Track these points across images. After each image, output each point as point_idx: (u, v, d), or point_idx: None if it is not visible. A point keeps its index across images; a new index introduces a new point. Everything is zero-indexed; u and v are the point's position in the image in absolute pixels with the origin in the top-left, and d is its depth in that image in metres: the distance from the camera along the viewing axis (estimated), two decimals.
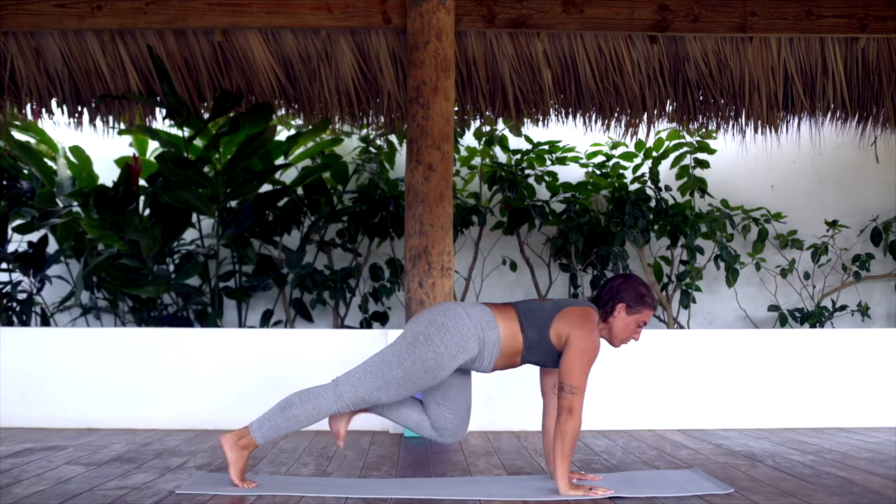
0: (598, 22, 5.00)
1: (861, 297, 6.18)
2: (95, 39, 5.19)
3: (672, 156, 5.94)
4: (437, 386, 3.13)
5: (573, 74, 5.35)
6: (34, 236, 6.03)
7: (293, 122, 5.99)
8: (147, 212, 5.74)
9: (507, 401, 4.59)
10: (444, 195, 4.68)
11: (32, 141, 5.93)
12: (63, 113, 5.62)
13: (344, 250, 6.06)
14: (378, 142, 5.95)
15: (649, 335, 4.71)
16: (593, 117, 5.64)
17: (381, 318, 5.86)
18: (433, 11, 4.71)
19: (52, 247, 6.00)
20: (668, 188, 5.89)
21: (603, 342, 3.20)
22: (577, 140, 5.96)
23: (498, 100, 5.45)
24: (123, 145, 6.12)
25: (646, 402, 4.74)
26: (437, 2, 4.71)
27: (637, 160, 5.95)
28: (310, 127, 5.79)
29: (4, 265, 5.91)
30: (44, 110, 5.59)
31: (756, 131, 5.68)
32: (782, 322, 5.84)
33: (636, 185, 5.94)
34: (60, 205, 5.75)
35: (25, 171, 5.82)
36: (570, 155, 5.96)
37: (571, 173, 6.08)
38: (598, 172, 6.00)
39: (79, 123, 5.71)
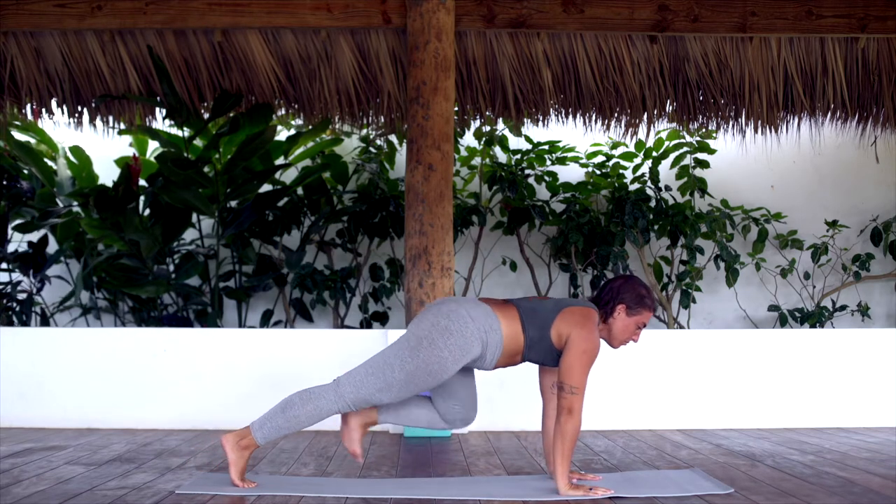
0: (598, 22, 5.00)
1: (861, 297, 6.18)
2: (95, 39, 5.19)
3: (672, 156, 5.94)
4: (441, 384, 3.13)
5: (573, 74, 5.35)
6: (34, 236, 6.03)
7: (293, 122, 6.00)
8: (147, 212, 5.74)
9: (507, 401, 4.59)
10: (444, 195, 4.68)
11: (32, 141, 5.93)
12: (63, 113, 5.62)
13: (344, 250, 6.06)
14: (378, 142, 5.96)
15: (649, 335, 4.71)
16: (593, 117, 5.64)
17: (381, 318, 5.86)
18: (433, 11, 4.71)
19: (52, 247, 6.00)
20: (668, 188, 5.89)
21: (602, 343, 3.20)
22: (577, 140, 5.96)
23: (498, 100, 5.45)
24: (123, 145, 6.12)
25: (646, 402, 4.74)
26: (437, 2, 4.71)
27: (637, 160, 5.95)
28: (310, 127, 5.79)
29: (4, 265, 5.91)
30: (44, 110, 5.59)
31: (756, 131, 5.68)
32: (782, 322, 5.84)
33: (636, 185, 5.94)
34: (60, 205, 5.75)
35: (25, 171, 5.83)
36: (570, 155, 5.96)
37: (571, 173, 6.08)
38: (598, 172, 6.00)
39: (79, 123, 5.72)
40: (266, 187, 5.95)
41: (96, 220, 5.32)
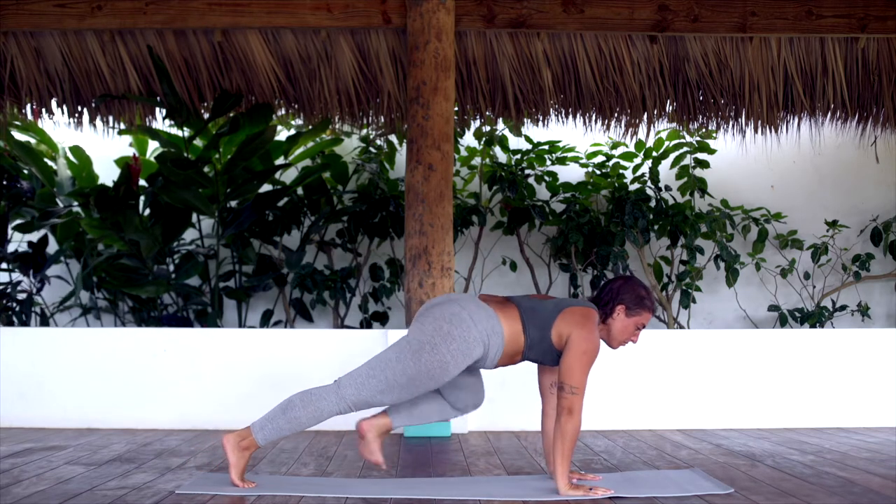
0: (598, 22, 5.00)
1: (861, 297, 6.18)
2: (95, 39, 5.19)
3: (672, 156, 5.94)
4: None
5: (573, 74, 5.35)
6: (34, 236, 6.03)
7: (293, 122, 5.99)
8: (147, 212, 5.74)
9: (507, 401, 4.59)
10: (444, 195, 4.68)
11: (32, 141, 5.93)
12: (63, 113, 5.62)
13: (344, 250, 6.06)
14: (378, 142, 5.96)
15: (649, 335, 4.71)
16: (593, 117, 5.64)
17: (381, 318, 5.86)
18: (433, 11, 4.71)
19: (52, 247, 6.00)
20: (668, 188, 5.89)
21: (601, 343, 3.20)
22: (577, 140, 5.96)
23: (498, 100, 5.45)
24: (123, 145, 6.12)
25: (646, 402, 4.74)
26: (437, 2, 4.71)
27: (637, 160, 5.95)
28: (310, 127, 5.79)
29: (4, 265, 5.91)
30: (44, 110, 5.59)
31: (756, 131, 5.68)
32: (782, 322, 5.84)
33: (636, 185, 5.94)
34: (60, 205, 5.75)
35: (25, 171, 5.83)
36: (570, 155, 5.96)
37: (571, 173, 6.08)
38: (598, 172, 6.00)
39: (79, 123, 5.72)
40: (266, 187, 5.95)
41: (96, 220, 5.32)
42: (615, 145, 5.96)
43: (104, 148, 5.99)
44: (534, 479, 3.24)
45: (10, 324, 5.70)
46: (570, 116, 5.65)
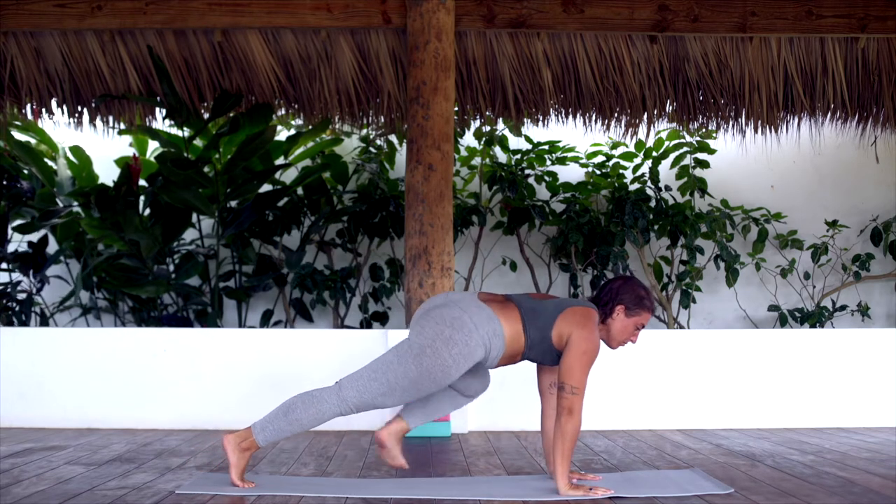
0: (598, 22, 5.00)
1: (861, 297, 6.18)
2: (95, 39, 5.19)
3: (672, 156, 5.94)
4: None
5: (573, 74, 5.35)
6: (34, 236, 6.03)
7: (293, 122, 6.00)
8: (147, 212, 5.74)
9: (507, 401, 4.59)
10: (444, 195, 4.68)
11: (32, 141, 5.93)
12: (63, 113, 5.62)
13: (344, 250, 6.06)
14: (378, 142, 5.96)
15: (649, 335, 4.71)
16: (593, 117, 5.64)
17: (381, 318, 5.86)
18: (433, 11, 4.71)
19: (52, 247, 6.00)
20: (668, 188, 5.89)
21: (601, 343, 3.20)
22: (577, 140, 5.96)
23: (498, 100, 5.45)
24: (123, 145, 6.12)
25: (646, 402, 4.74)
26: (437, 2, 4.71)
27: (637, 160, 5.95)
28: (310, 127, 5.79)
29: (4, 265, 5.91)
30: (44, 110, 5.60)
31: (756, 131, 5.68)
32: (782, 322, 5.84)
33: (636, 185, 5.94)
34: (60, 205, 5.75)
35: (25, 171, 5.83)
36: (570, 155, 5.96)
37: (571, 173, 6.08)
38: (598, 172, 6.00)
39: (79, 123, 5.72)
40: (266, 187, 5.95)
41: (96, 220, 5.32)
42: (615, 145, 5.96)
43: (104, 148, 5.99)
44: (534, 479, 3.24)
45: (10, 324, 5.70)
46: (570, 116, 5.65)
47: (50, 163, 5.88)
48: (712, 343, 4.85)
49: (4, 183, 5.77)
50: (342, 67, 5.29)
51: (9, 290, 5.74)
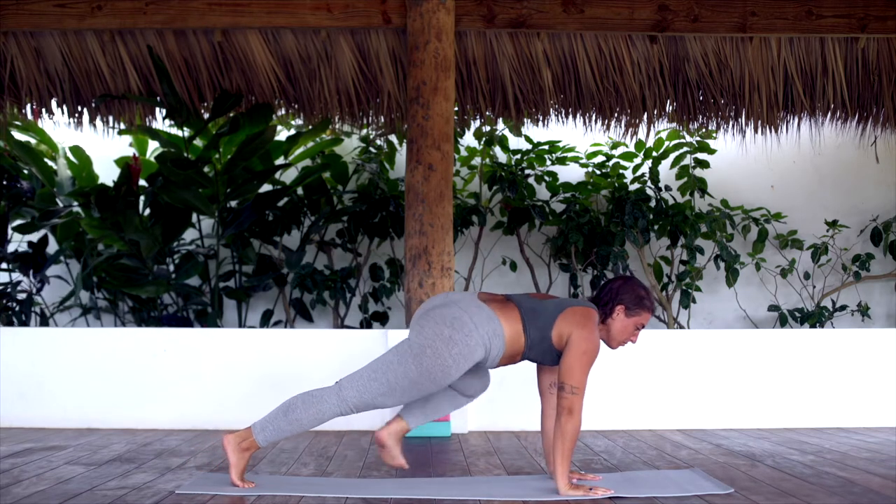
0: (598, 22, 5.00)
1: (861, 297, 6.18)
2: (95, 39, 5.19)
3: (672, 156, 5.94)
4: None
5: (573, 74, 5.35)
6: (34, 236, 6.03)
7: (293, 122, 6.00)
8: (147, 212, 5.74)
9: (507, 401, 4.59)
10: (444, 195, 4.68)
11: (32, 141, 5.93)
12: (63, 113, 5.62)
13: (344, 250, 6.06)
14: (378, 142, 5.96)
15: (649, 335, 4.71)
16: (593, 117, 5.64)
17: (381, 318, 5.86)
18: (433, 11, 4.71)
19: (52, 247, 6.00)
20: (668, 188, 5.89)
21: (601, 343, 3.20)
22: (577, 140, 5.96)
23: (498, 100, 5.45)
24: (123, 145, 6.12)
25: (646, 402, 4.74)
26: (437, 2, 4.71)
27: (637, 160, 5.95)
28: (310, 127, 5.79)
29: (4, 265, 5.91)
30: (44, 110, 5.60)
31: (756, 131, 5.68)
32: (782, 322, 5.84)
33: (636, 185, 5.94)
34: (60, 205, 5.75)
35: (25, 171, 5.83)
36: (570, 155, 5.96)
37: (571, 173, 6.08)
38: (598, 172, 6.00)
39: (79, 123, 5.72)
40: (266, 187, 5.95)
41: (96, 220, 5.32)
42: (615, 145, 5.96)
43: (104, 148, 5.99)
44: (534, 479, 3.24)
45: (10, 324, 5.70)
46: (570, 116, 5.65)
47: (50, 163, 5.88)
48: (712, 343, 4.85)
49: (4, 183, 5.77)
50: (342, 67, 5.29)
51: (9, 290, 5.74)
